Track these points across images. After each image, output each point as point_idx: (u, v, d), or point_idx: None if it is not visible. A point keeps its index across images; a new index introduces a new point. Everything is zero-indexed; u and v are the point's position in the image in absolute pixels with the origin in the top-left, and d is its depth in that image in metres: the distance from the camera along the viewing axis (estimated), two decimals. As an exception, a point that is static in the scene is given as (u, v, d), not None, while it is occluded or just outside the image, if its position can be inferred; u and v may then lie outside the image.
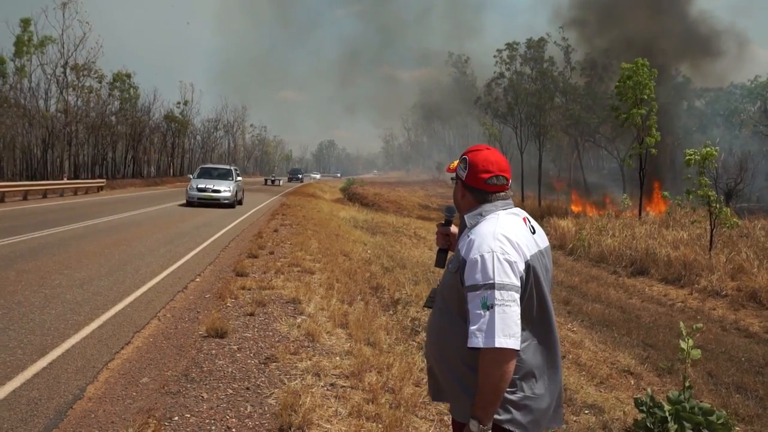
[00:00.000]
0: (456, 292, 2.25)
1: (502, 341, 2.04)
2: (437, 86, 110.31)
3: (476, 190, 2.36)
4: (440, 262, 2.74)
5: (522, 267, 2.17)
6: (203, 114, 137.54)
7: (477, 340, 2.07)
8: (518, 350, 2.07)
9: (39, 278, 8.96)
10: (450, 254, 2.70)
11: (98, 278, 9.24)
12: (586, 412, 5.60)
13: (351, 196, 50.74)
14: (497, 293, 2.08)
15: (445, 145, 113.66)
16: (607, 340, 9.44)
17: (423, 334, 7.34)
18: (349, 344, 6.22)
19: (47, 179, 39.49)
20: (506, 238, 2.20)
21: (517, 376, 2.18)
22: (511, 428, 2.18)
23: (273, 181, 63.69)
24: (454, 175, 2.48)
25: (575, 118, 46.25)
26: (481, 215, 2.32)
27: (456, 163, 2.48)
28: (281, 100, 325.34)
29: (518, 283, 2.13)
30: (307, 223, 19.29)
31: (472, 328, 2.09)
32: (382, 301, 9.20)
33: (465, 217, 2.37)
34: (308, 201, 33.53)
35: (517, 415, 2.18)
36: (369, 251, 14.78)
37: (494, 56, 44.94)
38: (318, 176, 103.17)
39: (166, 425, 4.15)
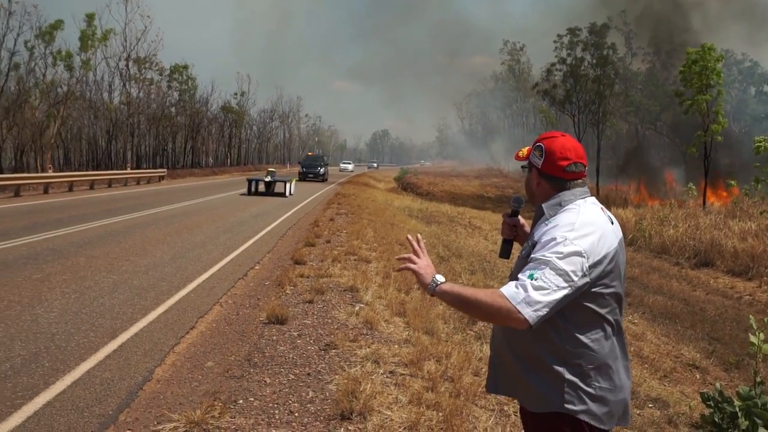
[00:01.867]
0: None
1: (523, 308, 2.01)
2: (492, 74, 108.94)
3: (553, 178, 2.28)
4: (505, 252, 2.67)
5: (594, 260, 2.10)
6: (259, 104, 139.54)
7: (509, 289, 2.05)
8: (531, 325, 2.02)
9: (107, 264, 9.31)
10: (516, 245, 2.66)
11: (162, 265, 9.53)
12: (650, 405, 5.48)
13: (405, 185, 50.76)
14: (547, 271, 2.04)
15: (500, 134, 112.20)
16: (670, 332, 9.19)
17: (482, 324, 7.30)
18: (407, 333, 6.25)
19: (111, 169, 40.87)
20: (585, 230, 2.14)
21: (591, 367, 2.14)
22: (587, 419, 2.14)
23: (268, 185, 28.00)
24: (524, 163, 2.40)
25: (636, 105, 44.96)
26: (560, 205, 2.25)
27: (527, 150, 2.40)
28: (336, 89, 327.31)
29: (575, 277, 2.05)
30: (362, 212, 19.40)
31: (510, 282, 2.09)
32: (439, 291, 9.18)
33: (543, 206, 2.28)
34: (363, 190, 33.70)
35: (592, 406, 2.14)
36: (424, 241, 14.76)
37: (554, 41, 43.99)
38: (350, 166, 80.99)
39: (231, 408, 4.26)
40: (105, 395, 4.56)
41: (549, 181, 2.29)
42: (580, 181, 2.30)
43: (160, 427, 3.98)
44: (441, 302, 8.25)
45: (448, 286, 2.22)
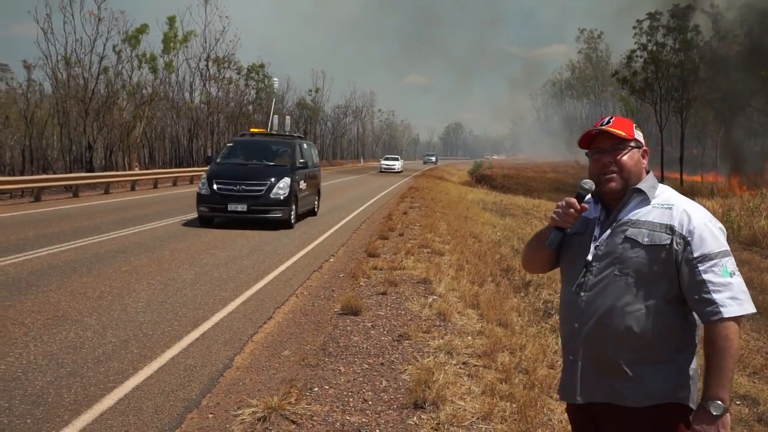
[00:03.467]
0: (660, 264, 2.07)
1: (751, 306, 2.01)
2: (569, 63, 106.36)
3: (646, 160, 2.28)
4: (557, 243, 2.28)
5: None
6: (333, 100, 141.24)
7: (733, 308, 1.97)
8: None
9: (189, 257, 9.70)
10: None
11: (240, 258, 9.85)
12: (738, 402, 5.24)
13: (479, 178, 50.31)
14: (731, 260, 2.05)
15: (577, 124, 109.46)
16: (761, 328, 8.74)
17: (556, 317, 7.17)
18: (480, 324, 6.21)
19: (193, 166, 42.39)
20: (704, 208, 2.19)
21: (693, 353, 2.13)
22: (692, 406, 2.08)
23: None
24: (618, 143, 2.21)
25: (723, 90, 42.82)
26: (654, 187, 2.20)
27: (618, 127, 2.21)
28: (409, 84, 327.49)
29: None
30: (436, 205, 19.37)
31: (721, 296, 1.98)
32: (513, 283, 9.09)
33: (642, 187, 2.18)
34: (436, 184, 33.63)
35: (693, 393, 2.10)
36: (499, 233, 14.62)
37: (633, 27, 42.43)
38: (397, 164, 55.80)
39: (307, 395, 4.37)
40: (188, 381, 4.77)
41: (645, 162, 2.27)
42: None
43: (240, 411, 4.13)
44: (515, 295, 8.17)
45: (726, 390, 1.99)
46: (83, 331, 5.80)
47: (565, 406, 2.43)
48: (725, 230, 2.14)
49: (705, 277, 2.01)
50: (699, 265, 2.02)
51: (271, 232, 12.76)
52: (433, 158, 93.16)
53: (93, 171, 31.16)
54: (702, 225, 2.07)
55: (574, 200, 2.22)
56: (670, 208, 2.12)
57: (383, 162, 57.22)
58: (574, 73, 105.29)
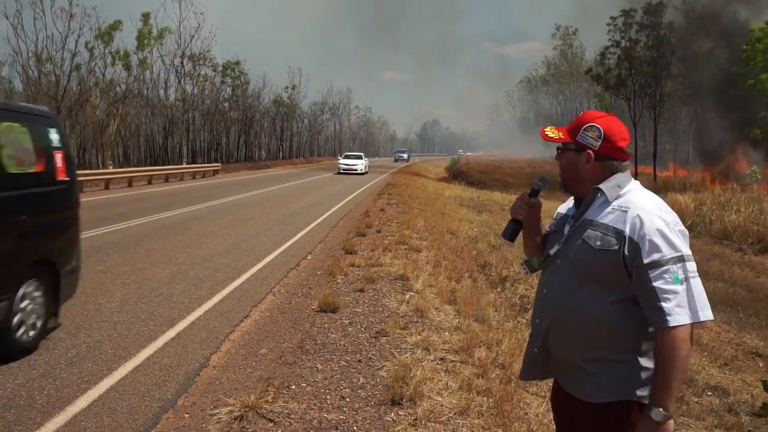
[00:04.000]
0: (610, 268, 2.07)
1: (705, 313, 1.97)
2: (543, 60, 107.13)
3: (609, 160, 2.20)
4: (513, 234, 2.44)
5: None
6: (310, 98, 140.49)
7: (679, 317, 1.95)
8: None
9: (165, 256, 9.60)
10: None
11: (217, 256, 9.77)
12: (709, 393, 5.34)
13: (456, 174, 50.47)
14: (686, 265, 2.00)
15: (552, 120, 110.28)
16: (731, 320, 8.90)
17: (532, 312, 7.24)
18: (457, 320, 6.25)
19: (168, 164, 41.97)
20: (669, 209, 2.12)
21: (652, 351, 2.10)
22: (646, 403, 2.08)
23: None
24: (560, 144, 2.29)
25: (695, 86, 43.43)
26: (620, 187, 2.17)
27: (562, 130, 2.27)
28: (387, 80, 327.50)
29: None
30: (413, 202, 19.41)
31: (668, 304, 1.96)
32: (490, 279, 9.14)
33: (603, 188, 2.17)
34: (413, 180, 33.70)
35: (648, 390, 2.09)
36: (475, 229, 14.69)
37: (608, 24, 42.82)
38: (360, 164, 44.73)
39: (284, 393, 4.36)
40: (164, 381, 4.73)
41: (603, 163, 2.20)
42: (628, 162, 2.26)
43: (217, 410, 4.11)
44: (492, 290, 8.22)
45: (669, 398, 1.99)
46: (56, 332, 5.71)
47: (551, 405, 2.47)
48: (687, 233, 2.09)
49: (655, 284, 1.99)
50: (649, 272, 2.00)
51: (248, 230, 12.69)
52: (405, 155, 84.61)
53: (66, 169, 30.65)
54: (654, 230, 2.03)
55: (525, 194, 2.38)
56: (626, 212, 2.09)
57: (342, 162, 43.77)
58: (549, 69, 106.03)
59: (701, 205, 20.20)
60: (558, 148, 2.31)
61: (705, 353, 6.82)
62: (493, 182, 43.34)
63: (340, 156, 45.50)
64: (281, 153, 71.64)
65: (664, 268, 1.99)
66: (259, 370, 4.99)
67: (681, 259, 2.00)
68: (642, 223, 2.04)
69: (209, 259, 9.52)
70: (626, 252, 2.04)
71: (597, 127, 2.20)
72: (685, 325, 1.96)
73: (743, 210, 18.63)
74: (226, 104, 57.01)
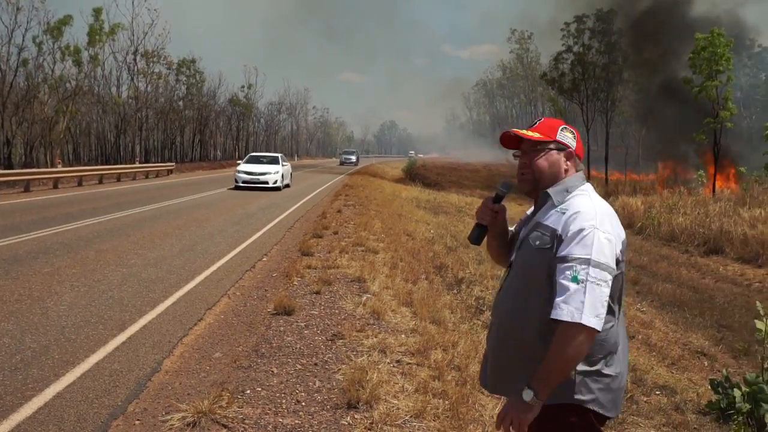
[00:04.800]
0: (546, 268, 2.11)
1: (588, 319, 1.97)
2: (500, 63, 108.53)
3: (577, 162, 2.29)
4: (478, 238, 2.42)
5: (619, 248, 2.12)
6: (267, 97, 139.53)
7: (561, 312, 1.99)
8: (599, 331, 2.00)
9: (116, 257, 9.37)
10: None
11: (171, 258, 9.59)
12: (657, 392, 5.47)
13: (413, 176, 50.71)
14: (591, 270, 2.01)
15: (508, 123, 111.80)
16: (678, 320, 9.16)
17: (488, 314, 7.30)
18: (414, 322, 6.26)
19: (120, 164, 41.05)
20: (607, 217, 2.14)
21: (600, 356, 2.12)
22: (595, 408, 2.11)
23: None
24: (536, 144, 2.27)
25: (644, 92, 44.58)
26: (567, 191, 2.21)
27: (535, 131, 2.27)
28: (343, 81, 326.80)
29: (613, 265, 2.05)
30: (370, 203, 19.42)
31: (558, 299, 2.01)
32: (446, 281, 9.20)
33: (550, 192, 2.22)
34: (370, 182, 33.70)
35: (599, 395, 2.12)
36: (432, 231, 14.77)
37: (561, 29, 43.65)
38: (273, 172, 25.45)
39: (239, 398, 4.30)
40: (114, 386, 4.61)
41: (575, 164, 2.28)
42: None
43: (169, 417, 4.02)
44: (448, 292, 8.28)
45: (543, 386, 2.04)
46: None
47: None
48: (612, 242, 2.09)
49: (557, 277, 2.04)
50: (558, 265, 2.06)
51: (202, 232, 12.49)
52: (353, 157, 70.75)
53: (12, 168, 29.72)
54: (578, 229, 2.07)
55: (489, 200, 2.38)
56: (564, 213, 2.14)
57: (242, 169, 26.07)
58: (505, 73, 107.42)
59: (650, 208, 20.76)
60: (524, 150, 2.30)
61: (654, 353, 7.00)
62: (450, 184, 43.68)
63: (241, 161, 28.16)
64: (237, 153, 70.80)
65: (568, 264, 2.03)
66: (213, 374, 4.91)
67: (587, 262, 2.01)
68: (572, 222, 2.10)
69: (162, 260, 9.34)
70: (555, 251, 2.10)
71: (571, 129, 2.30)
72: (565, 321, 1.98)
73: (690, 213, 19.22)
74: (181, 103, 56.10)
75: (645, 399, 5.24)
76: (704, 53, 24.59)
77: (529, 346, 2.15)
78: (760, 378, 4.70)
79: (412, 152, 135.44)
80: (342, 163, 67.91)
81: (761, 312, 4.77)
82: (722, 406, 4.73)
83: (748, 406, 4.53)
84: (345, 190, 25.11)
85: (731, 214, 18.18)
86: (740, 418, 4.54)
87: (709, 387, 5.16)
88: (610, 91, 41.17)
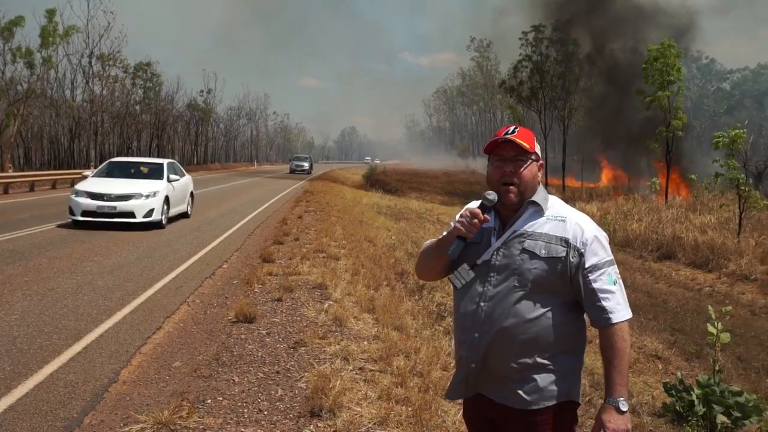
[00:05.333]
0: (557, 275, 2.18)
1: (630, 312, 2.20)
2: (459, 71, 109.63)
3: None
4: (458, 252, 2.27)
5: None
6: (226, 102, 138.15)
7: (618, 315, 2.15)
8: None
9: (70, 265, 9.14)
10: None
11: (128, 265, 9.40)
12: (615, 396, 5.59)
13: (373, 182, 50.78)
14: (615, 268, 2.22)
15: (467, 130, 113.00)
16: (633, 324, 9.36)
17: (449, 319, 7.35)
18: (376, 329, 6.27)
19: (74, 168, 40.06)
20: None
21: (582, 352, 2.29)
22: (577, 400, 2.27)
23: None
24: (518, 155, 2.25)
25: (600, 101, 45.59)
26: (546, 199, 2.30)
27: (522, 139, 2.25)
28: (303, 86, 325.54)
29: None
30: (331, 209, 19.37)
31: (609, 304, 2.16)
32: (408, 287, 9.23)
33: (537, 200, 2.26)
34: (331, 187, 33.63)
35: (578, 387, 2.28)
36: (393, 237, 14.81)
37: (520, 38, 44.38)
38: (141, 198, 13.29)
39: (200, 408, 4.23)
40: (69, 398, 4.49)
41: (540, 175, 2.35)
42: None
43: (127, 428, 3.94)
44: (409, 298, 8.31)
45: (625, 390, 2.15)
46: (-52, 349, 5.32)
47: (462, 412, 2.50)
48: (607, 237, 2.30)
49: (595, 285, 2.17)
50: (589, 274, 2.17)
51: (161, 238, 12.27)
52: (305, 164, 60.21)
53: (-41, 172, 28.72)
54: (593, 237, 2.21)
55: (478, 211, 2.22)
56: (564, 221, 2.23)
57: (86, 189, 13.53)
58: (465, 80, 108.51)
59: (606, 215, 21.22)
60: (507, 158, 2.25)
61: (610, 357, 7.14)
62: (410, 190, 43.86)
63: (89, 171, 18.56)
64: (195, 158, 69.87)
65: (602, 270, 2.18)
66: (173, 384, 4.82)
67: (612, 263, 2.21)
68: (583, 231, 2.22)
69: (119, 268, 9.14)
70: (572, 258, 2.18)
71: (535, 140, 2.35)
72: (626, 320, 2.16)
73: (644, 219, 19.72)
74: (138, 107, 55.09)
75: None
76: (656, 64, 25.28)
77: (541, 349, 2.19)
78: (712, 380, 4.84)
79: (369, 158, 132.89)
80: (293, 171, 57.88)
81: (712, 316, 4.92)
82: (678, 408, 4.86)
83: (703, 408, 4.66)
84: (306, 197, 24.99)
85: (683, 220, 18.74)
86: (694, 420, 4.67)
87: (664, 390, 5.30)
88: (567, 99, 41.97)
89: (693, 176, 26.52)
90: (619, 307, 2.16)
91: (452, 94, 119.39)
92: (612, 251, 2.29)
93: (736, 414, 4.68)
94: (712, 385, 4.82)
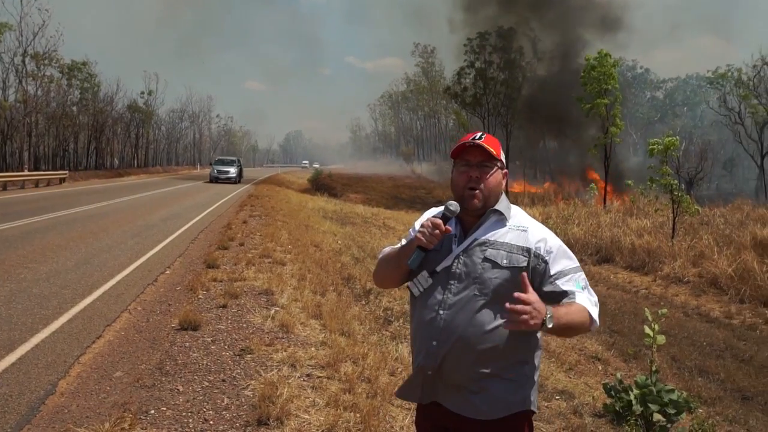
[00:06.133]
0: (514, 285, 2.08)
1: (596, 313, 2.22)
2: (404, 76, 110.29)
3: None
4: (418, 262, 2.26)
5: None
6: (168, 104, 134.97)
7: (583, 299, 2.19)
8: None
9: (2, 272, 8.77)
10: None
11: (65, 271, 9.09)
12: (557, 397, 5.73)
13: (319, 186, 50.56)
14: (583, 275, 2.26)
15: (412, 135, 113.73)
16: (575, 326, 9.62)
17: (396, 324, 7.40)
18: (323, 335, 6.24)
19: (6, 171, 38.48)
20: None
21: (538, 361, 2.30)
22: (534, 409, 2.28)
23: None
24: (486, 161, 2.26)
25: (541, 107, 46.73)
26: (508, 208, 2.32)
27: (495, 146, 2.26)
28: (247, 90, 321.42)
29: None
30: (276, 214, 19.19)
31: (577, 293, 2.20)
32: (355, 292, 9.23)
33: (500, 209, 2.26)
34: (277, 191, 33.31)
35: (534, 395, 2.29)
36: (339, 242, 14.79)
37: (464, 45, 45.06)
38: None
39: (143, 419, 4.13)
40: (2, 412, 4.31)
41: (504, 183, 2.35)
42: None
43: (66, 442, 3.81)
44: (356, 303, 8.31)
45: (561, 315, 2.09)
46: None
47: (415, 420, 2.48)
48: None
49: (564, 287, 2.20)
50: (556, 280, 2.21)
51: (100, 244, 11.90)
52: (232, 170, 43.80)
53: None
54: (558, 246, 2.26)
55: (440, 222, 2.19)
56: (526, 231, 2.26)
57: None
58: (410, 86, 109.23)
59: (547, 219, 21.73)
60: (473, 164, 2.26)
61: (553, 359, 7.31)
62: (356, 194, 43.87)
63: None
64: (136, 161, 68.09)
65: (569, 276, 2.22)
66: (114, 395, 4.69)
67: (579, 269, 2.26)
68: (546, 241, 2.25)
69: (56, 275, 8.83)
70: (534, 267, 2.21)
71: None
72: (588, 314, 2.18)
73: (583, 224, 20.28)
74: (75, 108, 53.31)
75: (546, 404, 5.47)
76: (594, 73, 26.08)
77: (498, 359, 2.19)
78: (649, 380, 5.02)
79: (306, 162, 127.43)
80: (215, 180, 42.74)
81: (649, 318, 5.10)
82: (617, 408, 5.01)
83: (641, 408, 4.83)
84: (251, 201, 24.67)
85: (620, 224, 19.35)
86: (632, 419, 4.82)
87: (604, 390, 5.46)
88: (510, 105, 42.81)
89: (629, 182, 27.43)
90: (587, 303, 2.18)
91: (397, 99, 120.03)
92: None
93: (671, 412, 4.86)
94: (649, 385, 4.99)
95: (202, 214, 19.38)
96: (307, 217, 20.27)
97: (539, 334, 2.26)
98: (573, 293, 2.19)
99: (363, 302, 8.61)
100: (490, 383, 2.19)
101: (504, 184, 2.34)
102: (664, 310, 5.33)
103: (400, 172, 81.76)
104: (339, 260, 11.93)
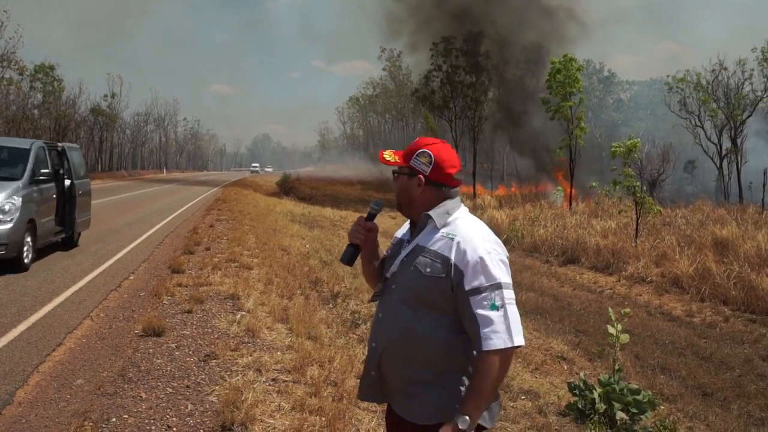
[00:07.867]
0: (440, 294, 2.16)
1: (518, 339, 2.09)
2: (371, 80, 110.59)
3: (439, 186, 2.27)
4: (350, 259, 2.43)
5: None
6: (133, 107, 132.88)
7: (494, 341, 2.06)
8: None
9: (-40, 280, 8.55)
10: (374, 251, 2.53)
11: (24, 278, 8.88)
12: (523, 397, 5.79)
13: (287, 189, 50.29)
14: (504, 292, 2.12)
15: (381, 139, 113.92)
16: (540, 327, 9.73)
17: (363, 327, 7.39)
18: (290, 339, 6.21)
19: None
20: (494, 238, 2.24)
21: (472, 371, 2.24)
22: (486, 425, 2.21)
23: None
24: (396, 168, 2.34)
25: (508, 111, 47.26)
26: (449, 213, 2.26)
27: (399, 154, 2.34)
28: (213, 93, 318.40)
29: (511, 283, 2.18)
30: (244, 218, 19.02)
31: (485, 330, 2.07)
32: (322, 295, 9.21)
33: (431, 214, 2.24)
34: (244, 195, 33.03)
35: (487, 413, 2.21)
36: (307, 245, 14.72)
37: (431, 49, 45.25)
38: None
39: (104, 427, 4.06)
40: (-42, 423, 4.20)
41: (434, 188, 2.27)
42: (458, 188, 2.33)
43: (23, 452, 3.72)
44: (324, 307, 8.29)
45: (478, 412, 2.09)
46: None
47: (385, 420, 2.52)
48: (507, 262, 2.23)
49: (475, 310, 2.10)
50: (471, 298, 2.11)
51: (61, 249, 11.65)
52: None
53: None
54: (477, 258, 2.13)
55: (362, 219, 2.40)
56: (452, 239, 2.19)
57: None
58: (376, 89, 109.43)
59: (515, 221, 21.95)
60: (394, 172, 2.35)
61: (519, 359, 7.38)
62: (324, 198, 43.77)
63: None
64: (100, 165, 66.92)
65: (484, 294, 2.10)
66: (75, 403, 4.60)
67: (498, 287, 2.12)
68: (466, 251, 2.15)
69: (14, 282, 8.62)
70: (452, 279, 2.14)
71: (428, 153, 2.26)
72: (499, 349, 2.07)
73: (550, 225, 20.53)
74: (36, 111, 52.20)
75: (512, 404, 5.52)
76: (559, 76, 26.45)
77: (427, 366, 2.19)
78: (613, 379, 5.11)
79: (256, 165, 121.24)
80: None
81: (612, 317, 5.19)
82: (580, 407, 5.09)
83: (604, 406, 4.90)
84: (217, 205, 24.43)
85: (586, 226, 19.64)
86: (596, 417, 4.90)
87: (569, 390, 5.53)
88: (477, 108, 43.14)
89: (594, 183, 27.85)
90: (495, 335, 2.07)
91: (365, 103, 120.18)
92: (521, 257, 2.35)
93: (634, 410, 4.95)
94: (612, 383, 5.08)
95: (168, 219, 19.14)
96: (275, 221, 20.14)
97: (466, 344, 2.21)
98: (481, 339, 2.08)
99: (330, 305, 8.59)
100: (422, 389, 2.20)
101: (416, 189, 2.28)
102: (627, 310, 5.44)
103: (369, 176, 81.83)
104: (307, 264, 11.88)
